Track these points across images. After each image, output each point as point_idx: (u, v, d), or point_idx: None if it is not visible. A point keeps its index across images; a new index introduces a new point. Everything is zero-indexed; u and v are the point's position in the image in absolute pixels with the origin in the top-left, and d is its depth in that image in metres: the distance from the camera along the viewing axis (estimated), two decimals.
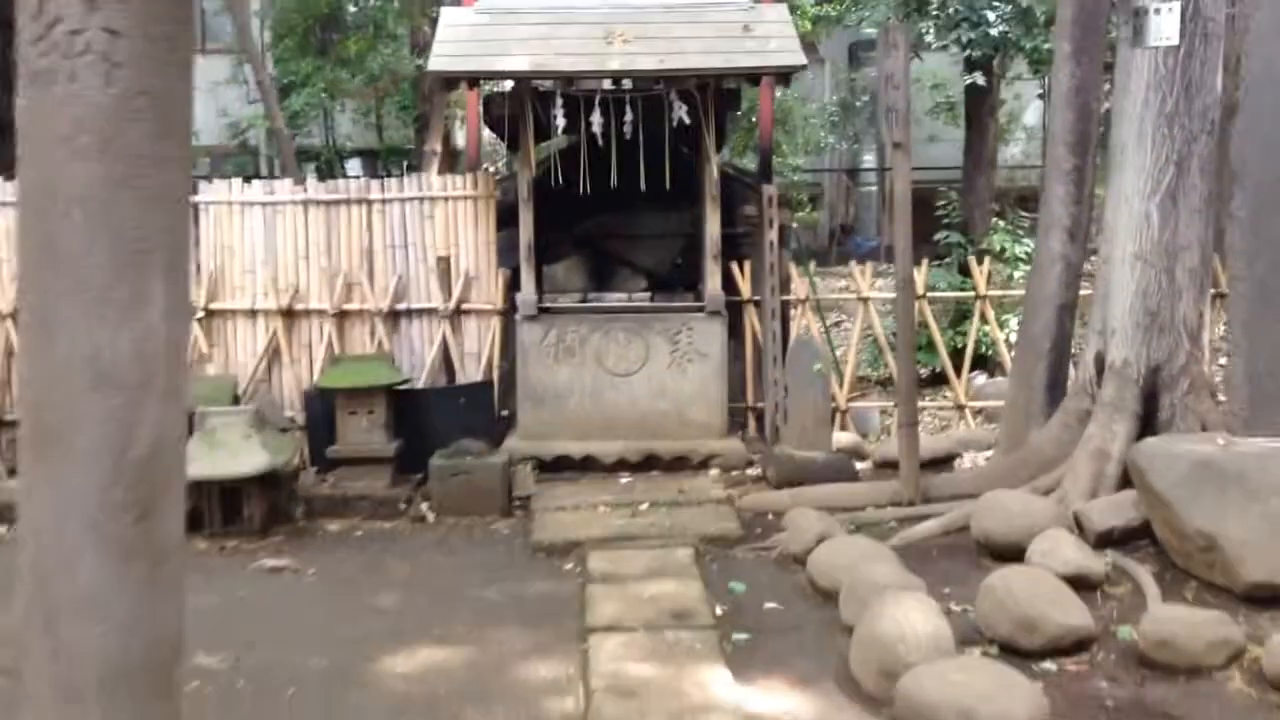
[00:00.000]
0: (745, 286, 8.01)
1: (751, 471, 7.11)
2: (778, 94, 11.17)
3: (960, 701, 3.57)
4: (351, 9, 15.45)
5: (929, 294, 8.41)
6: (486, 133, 9.37)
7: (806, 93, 17.58)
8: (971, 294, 8.60)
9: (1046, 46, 10.01)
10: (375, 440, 6.91)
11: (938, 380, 9.56)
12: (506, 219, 7.78)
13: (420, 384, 7.80)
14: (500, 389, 7.78)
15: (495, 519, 6.54)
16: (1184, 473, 4.78)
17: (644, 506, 6.43)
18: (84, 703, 2.16)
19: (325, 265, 8.00)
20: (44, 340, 2.11)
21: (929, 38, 10.91)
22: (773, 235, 7.78)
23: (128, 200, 2.07)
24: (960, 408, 8.40)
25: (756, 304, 7.99)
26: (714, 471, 7.14)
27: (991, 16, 10.35)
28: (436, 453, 6.76)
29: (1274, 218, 5.28)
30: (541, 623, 4.91)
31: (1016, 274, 10.27)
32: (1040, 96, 15.94)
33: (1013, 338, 8.54)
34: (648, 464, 7.18)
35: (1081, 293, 6.71)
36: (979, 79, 11.01)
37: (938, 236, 11.06)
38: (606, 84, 7.51)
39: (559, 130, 7.10)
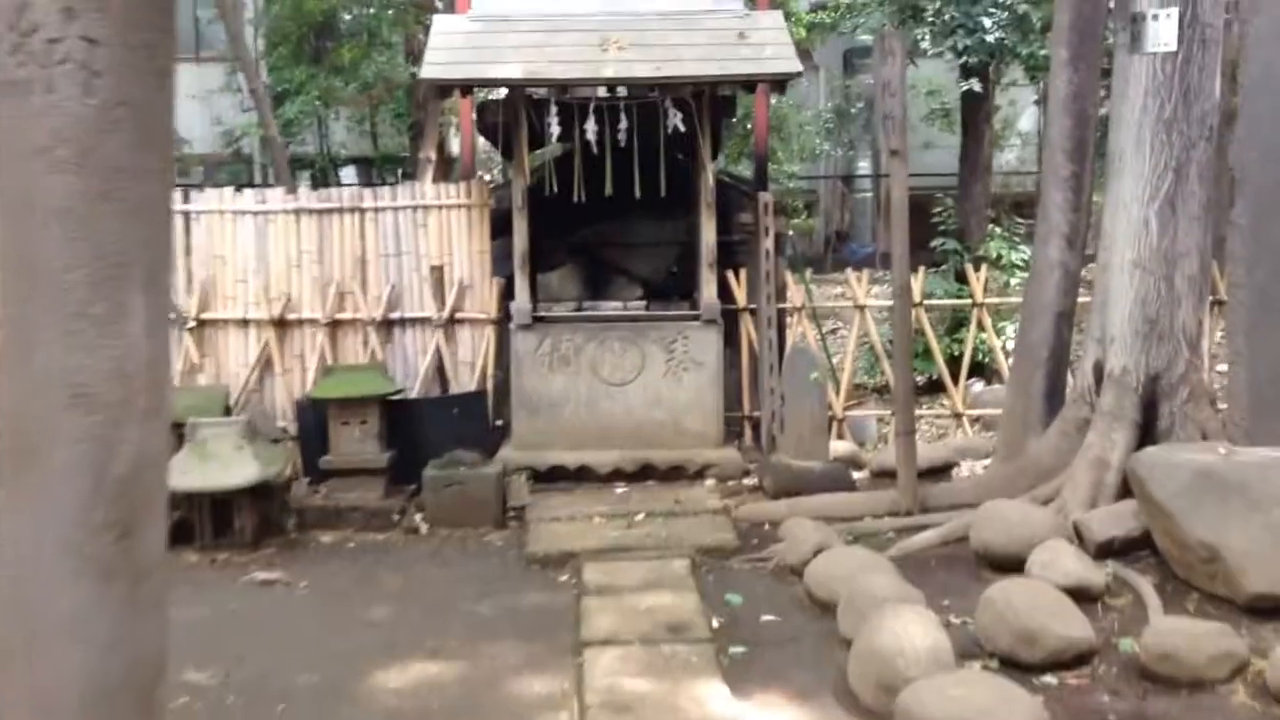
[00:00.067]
0: (741, 294, 7.97)
1: (748, 481, 7.06)
2: (773, 101, 11.16)
3: (960, 717, 3.52)
4: (345, 17, 15.41)
5: (925, 301, 8.38)
6: (481, 140, 9.32)
7: (801, 100, 17.58)
8: (968, 301, 8.57)
9: (1043, 53, 9.99)
10: (368, 451, 6.86)
11: (935, 388, 9.52)
12: (501, 227, 7.74)
13: (414, 394, 7.74)
14: (494, 399, 7.73)
15: (489, 530, 6.49)
16: (1185, 482, 4.74)
17: (640, 517, 6.37)
18: None
19: (318, 274, 7.95)
20: (22, 357, 2.06)
21: (925, 44, 10.91)
22: (768, 243, 7.74)
23: (107, 213, 2.02)
24: (958, 416, 8.36)
25: (752, 312, 7.95)
26: (710, 481, 7.09)
27: (988, 23, 10.33)
28: (430, 463, 6.71)
29: (1274, 224, 5.24)
30: (536, 636, 4.86)
31: (1013, 281, 10.25)
32: (1036, 103, 15.98)
33: (1010, 345, 8.51)
34: (643, 474, 7.13)
35: (1080, 300, 6.67)
36: (975, 85, 10.99)
37: (934, 243, 11.03)
38: (601, 91, 7.48)
39: (553, 138, 7.06)
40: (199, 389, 7.66)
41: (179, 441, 6.41)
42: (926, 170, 14.36)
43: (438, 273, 7.86)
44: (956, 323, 10.01)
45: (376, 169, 17.00)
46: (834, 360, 8.89)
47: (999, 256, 10.55)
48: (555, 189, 7.23)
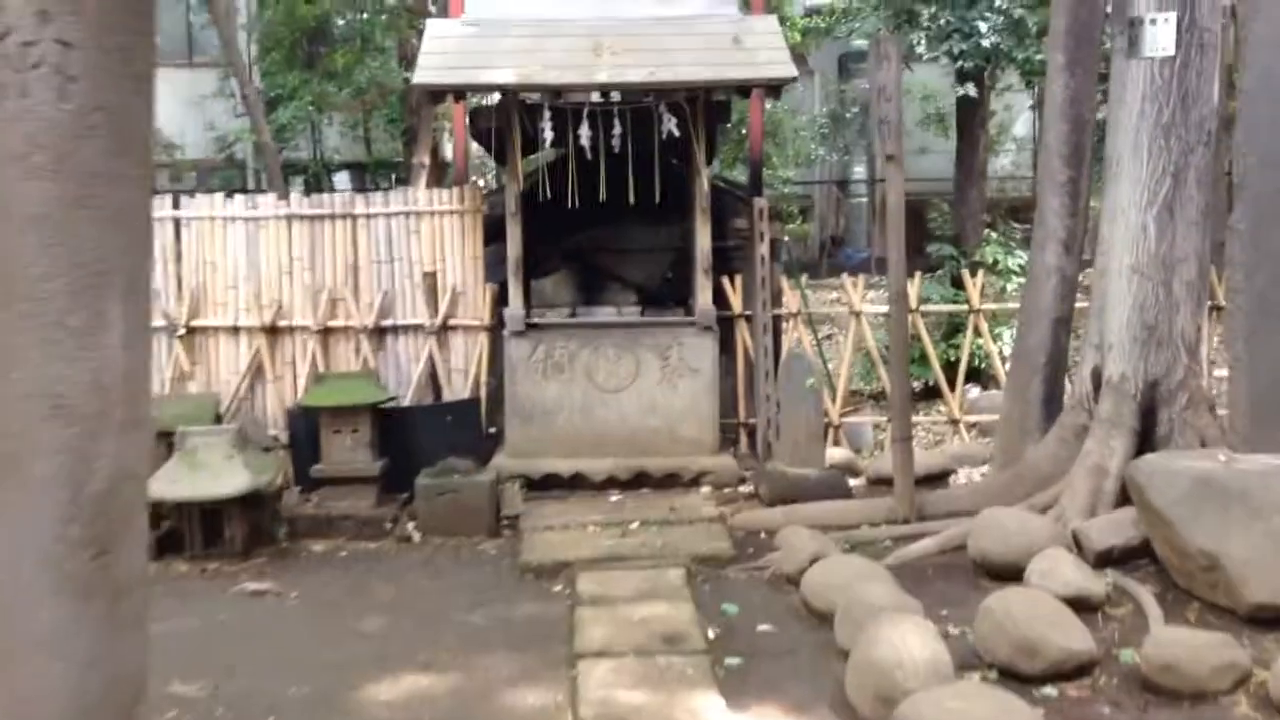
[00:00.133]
0: (736, 300, 7.92)
1: (744, 489, 7.01)
2: (768, 106, 11.13)
3: None
4: (339, 22, 15.37)
5: (922, 307, 8.34)
6: (475, 146, 9.28)
7: (796, 104, 17.56)
8: (965, 307, 8.53)
9: (1039, 57, 9.97)
10: (360, 459, 6.80)
11: (931, 394, 9.48)
12: (494, 233, 7.69)
13: (406, 401, 7.70)
14: (488, 406, 7.69)
15: (482, 539, 6.43)
16: (1185, 490, 4.69)
17: (634, 525, 6.32)
18: None
19: (309, 281, 7.90)
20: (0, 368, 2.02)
21: (920, 49, 10.88)
22: (764, 248, 7.70)
23: (84, 221, 1.98)
24: (955, 422, 8.32)
25: (748, 318, 7.91)
26: (705, 489, 7.03)
27: (983, 27, 10.31)
28: (423, 471, 6.66)
29: (1274, 229, 5.19)
30: (529, 647, 4.80)
31: (1009, 286, 10.22)
32: (1031, 107, 15.97)
33: (1006, 351, 8.48)
34: (638, 481, 7.08)
35: (1077, 305, 6.64)
36: (970, 90, 10.96)
37: (930, 249, 11.02)
38: (595, 96, 7.43)
39: (547, 143, 7.01)
40: (189, 397, 7.62)
41: (169, 450, 6.37)
42: (922, 175, 14.34)
43: (430, 279, 7.81)
44: (953, 328, 9.98)
45: (370, 174, 16.96)
46: (830, 366, 8.85)
47: (995, 262, 10.52)
48: (549, 194, 7.18)
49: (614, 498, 6.94)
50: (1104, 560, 4.99)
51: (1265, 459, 4.82)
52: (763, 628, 4.90)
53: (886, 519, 6.09)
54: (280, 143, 14.54)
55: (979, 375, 9.71)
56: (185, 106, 15.73)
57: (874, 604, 4.46)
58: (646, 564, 5.68)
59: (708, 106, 7.22)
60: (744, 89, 7.71)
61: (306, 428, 7.14)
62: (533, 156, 7.99)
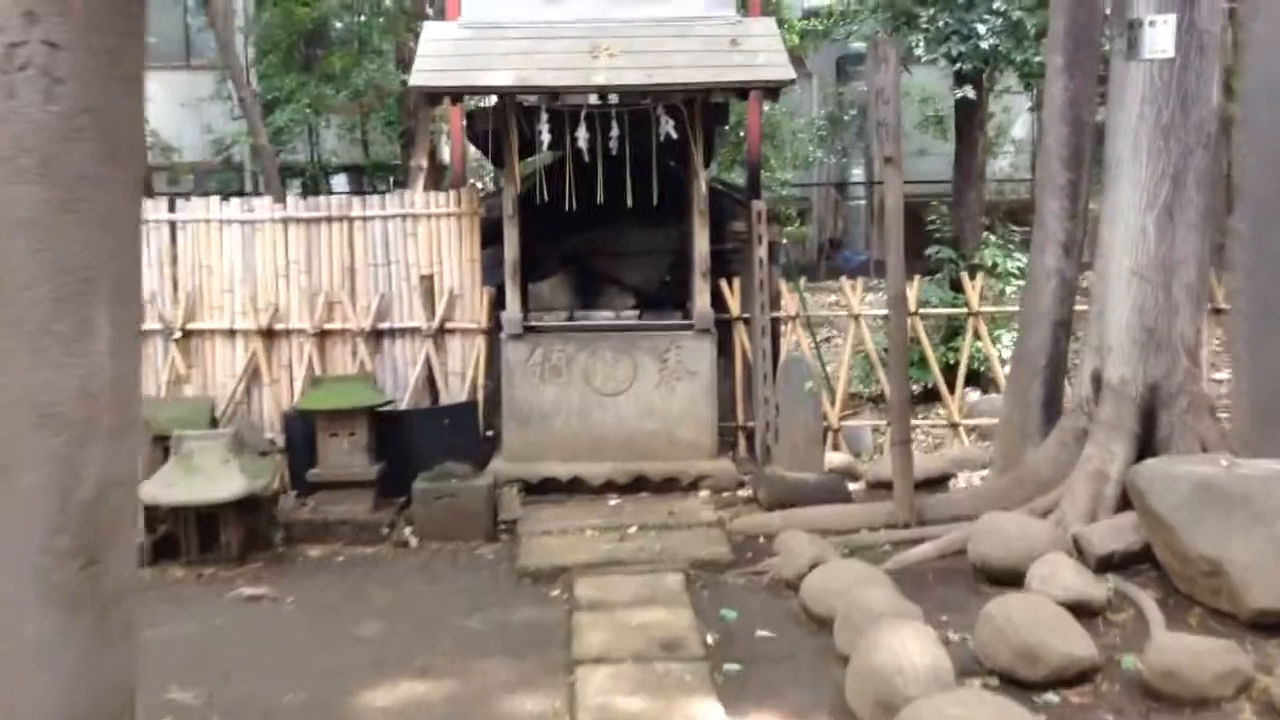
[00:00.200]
0: (734, 303, 7.89)
1: (742, 493, 6.98)
2: (766, 108, 11.09)
3: None
4: (336, 24, 15.35)
5: (921, 310, 8.31)
6: (473, 148, 9.25)
7: (795, 107, 17.54)
8: (964, 310, 8.50)
9: (1037, 59, 9.94)
10: (357, 463, 6.77)
11: (930, 397, 9.45)
12: (491, 236, 7.66)
13: (403, 405, 7.66)
14: (485, 409, 7.65)
15: (480, 543, 6.40)
16: (1186, 495, 4.67)
17: (632, 530, 6.29)
18: None
19: (305, 284, 7.87)
20: None
21: (919, 51, 10.84)
22: (762, 251, 7.67)
23: (71, 225, 1.94)
24: (954, 426, 8.28)
25: (746, 321, 7.87)
26: (704, 493, 7.00)
27: (982, 29, 10.27)
28: (420, 475, 6.63)
29: (1274, 232, 5.17)
30: (527, 653, 4.77)
31: (1009, 289, 10.19)
32: (1030, 109, 15.94)
33: (1006, 354, 8.44)
34: (636, 485, 7.05)
35: (1077, 308, 6.60)
36: (969, 92, 10.93)
37: (929, 251, 10.97)
38: (592, 99, 7.41)
39: (544, 146, 6.98)
40: (185, 400, 7.59)
41: (164, 454, 6.33)
42: (921, 177, 14.33)
43: (427, 282, 7.78)
44: (952, 331, 9.94)
45: (368, 177, 16.94)
46: (829, 369, 8.82)
47: (994, 264, 10.48)
48: (546, 197, 7.15)
49: (612, 502, 6.91)
50: (1105, 565, 4.96)
51: (1267, 463, 4.79)
52: (762, 633, 4.87)
53: (886, 523, 6.06)
54: (277, 145, 14.53)
55: (978, 378, 9.67)
56: (182, 109, 15.72)
57: (874, 609, 4.42)
58: (645, 569, 5.65)
59: (705, 109, 7.19)
60: (742, 91, 7.68)
61: (303, 431, 7.11)
62: (530, 159, 7.96)
